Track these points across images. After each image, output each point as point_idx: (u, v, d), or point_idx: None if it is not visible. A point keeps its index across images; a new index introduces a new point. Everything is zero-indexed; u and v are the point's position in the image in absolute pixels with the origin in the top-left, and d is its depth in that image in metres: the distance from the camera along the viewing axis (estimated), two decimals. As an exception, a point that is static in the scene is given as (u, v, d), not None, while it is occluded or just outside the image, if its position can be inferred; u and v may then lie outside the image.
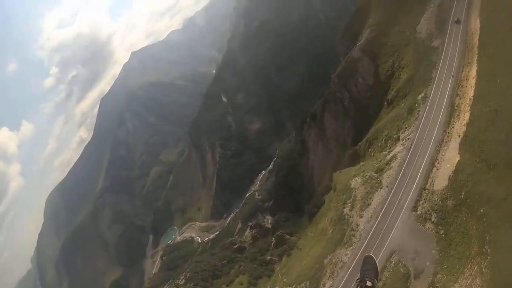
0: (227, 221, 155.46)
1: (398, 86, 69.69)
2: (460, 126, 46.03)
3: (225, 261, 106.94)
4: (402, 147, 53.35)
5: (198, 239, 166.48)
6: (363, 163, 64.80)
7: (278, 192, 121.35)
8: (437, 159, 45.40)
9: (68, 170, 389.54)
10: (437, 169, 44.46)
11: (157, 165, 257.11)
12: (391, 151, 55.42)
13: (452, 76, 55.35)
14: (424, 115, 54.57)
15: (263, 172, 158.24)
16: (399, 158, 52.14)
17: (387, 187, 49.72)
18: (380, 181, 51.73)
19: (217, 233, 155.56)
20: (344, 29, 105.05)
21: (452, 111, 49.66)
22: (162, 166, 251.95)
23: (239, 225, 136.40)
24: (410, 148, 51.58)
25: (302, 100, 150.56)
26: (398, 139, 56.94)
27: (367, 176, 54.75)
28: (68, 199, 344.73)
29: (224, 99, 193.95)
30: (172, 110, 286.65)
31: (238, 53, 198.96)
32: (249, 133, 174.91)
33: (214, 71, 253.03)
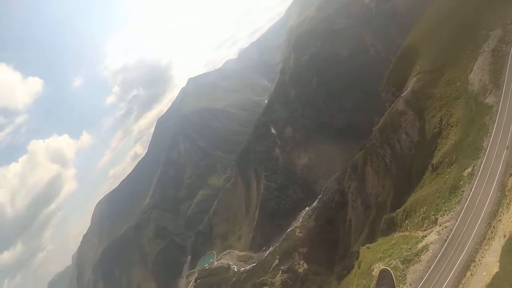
0: (265, 255, 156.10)
1: (444, 150, 63.12)
2: (508, 221, 38.59)
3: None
4: (437, 237, 46.23)
5: (234, 267, 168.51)
6: (395, 241, 58.06)
7: (314, 241, 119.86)
8: (474, 261, 37.97)
9: (120, 182, 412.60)
10: (471, 275, 36.88)
11: (204, 188, 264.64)
12: (425, 236, 49.02)
13: (507, 148, 47.45)
14: (468, 198, 46.54)
15: (307, 208, 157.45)
16: (431, 251, 45.03)
17: (410, 285, 43.04)
18: (405, 275, 45.45)
19: (253, 264, 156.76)
20: (389, 75, 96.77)
21: (501, 198, 41.77)
22: (209, 190, 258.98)
23: (276, 261, 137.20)
24: (446, 240, 44.23)
25: (350, 138, 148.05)
26: (435, 222, 50.59)
27: (392, 265, 49.20)
28: (115, 208, 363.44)
29: (273, 130, 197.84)
30: (223, 137, 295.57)
31: (288, 85, 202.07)
32: (296, 167, 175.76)
33: (266, 101, 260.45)
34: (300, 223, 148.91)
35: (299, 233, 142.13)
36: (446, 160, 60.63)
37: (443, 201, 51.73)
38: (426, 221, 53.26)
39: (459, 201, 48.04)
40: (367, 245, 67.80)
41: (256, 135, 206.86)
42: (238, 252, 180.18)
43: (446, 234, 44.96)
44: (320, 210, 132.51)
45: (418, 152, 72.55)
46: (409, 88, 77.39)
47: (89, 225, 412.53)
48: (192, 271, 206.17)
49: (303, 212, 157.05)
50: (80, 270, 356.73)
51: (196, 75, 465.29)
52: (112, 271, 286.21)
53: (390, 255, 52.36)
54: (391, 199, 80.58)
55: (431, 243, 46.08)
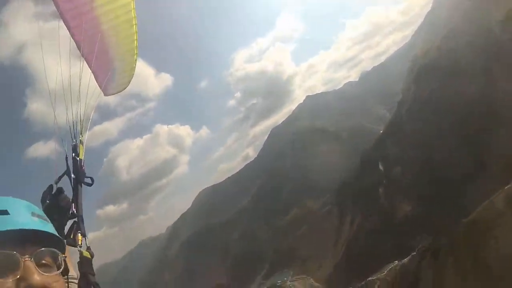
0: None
1: None
2: None
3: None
4: None
5: None
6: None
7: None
8: None
9: (226, 178, 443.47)
10: None
11: (299, 207, 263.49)
12: None
13: None
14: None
15: (396, 262, 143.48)
16: None
17: None
18: None
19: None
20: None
21: None
22: (302, 210, 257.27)
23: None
24: None
25: (463, 200, 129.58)
26: None
27: None
28: (215, 200, 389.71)
29: (380, 167, 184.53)
30: (327, 160, 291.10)
31: (404, 121, 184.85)
32: (396, 213, 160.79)
33: (381, 131, 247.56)
34: (383, 276, 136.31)
35: (378, 286, 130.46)
36: None
37: None
38: None
39: None
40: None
41: (362, 167, 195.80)
42: (313, 281, 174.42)
43: None
44: (408, 268, 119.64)
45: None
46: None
47: (189, 207, 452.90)
48: (263, 282, 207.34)
49: (389, 266, 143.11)
50: (169, 242, 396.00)
51: (314, 93, 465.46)
52: (194, 254, 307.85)
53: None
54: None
55: None
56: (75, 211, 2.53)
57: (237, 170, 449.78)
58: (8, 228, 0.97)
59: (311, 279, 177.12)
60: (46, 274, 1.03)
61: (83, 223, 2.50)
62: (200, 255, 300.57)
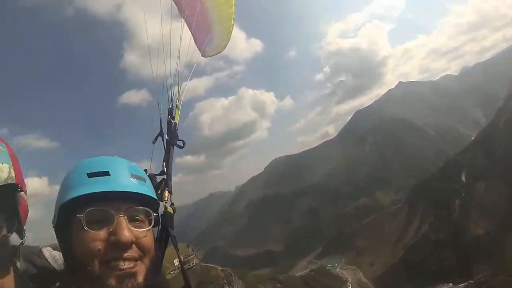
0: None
1: None
2: None
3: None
4: None
5: (350, 286, 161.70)
6: None
7: None
8: None
9: (302, 150, 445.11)
10: None
11: (368, 197, 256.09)
12: None
13: None
14: None
15: (451, 285, 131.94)
16: None
17: None
18: None
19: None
20: None
21: None
22: (371, 201, 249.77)
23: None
24: None
25: None
26: None
27: None
28: (286, 170, 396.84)
29: (463, 177, 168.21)
30: (410, 155, 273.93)
31: (501, 131, 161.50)
32: (467, 232, 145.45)
33: (472, 138, 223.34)
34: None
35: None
36: None
37: None
38: None
39: None
40: None
41: (443, 172, 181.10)
42: (362, 276, 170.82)
43: None
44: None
45: None
46: None
47: (260, 172, 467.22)
48: (314, 260, 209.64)
49: (445, 286, 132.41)
50: (235, 200, 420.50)
51: (408, 80, 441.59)
52: (256, 217, 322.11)
53: None
54: None
55: None
56: (165, 169, 2.65)
57: (314, 145, 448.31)
58: (108, 190, 1.15)
59: (361, 273, 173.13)
60: (136, 229, 1.18)
61: (171, 181, 2.72)
62: (262, 219, 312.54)
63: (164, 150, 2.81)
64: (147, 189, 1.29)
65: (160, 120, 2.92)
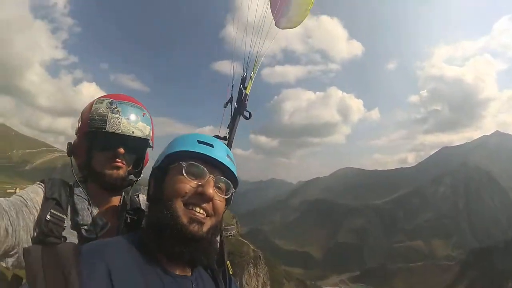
0: None
1: None
2: None
3: None
4: None
5: None
6: None
7: None
8: None
9: (374, 168, 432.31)
10: None
11: (424, 240, 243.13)
12: None
13: None
14: None
15: None
16: None
17: None
18: None
19: None
20: None
21: None
22: (425, 246, 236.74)
23: None
24: None
25: None
26: None
27: None
28: (353, 183, 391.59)
29: None
30: (483, 214, 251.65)
31: None
32: None
33: None
34: None
35: None
36: None
37: None
38: None
39: None
40: None
41: (508, 246, 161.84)
42: None
43: None
44: None
45: None
46: None
47: (327, 175, 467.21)
48: (344, 280, 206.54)
49: None
50: (293, 193, 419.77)
51: (507, 132, 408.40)
52: (306, 217, 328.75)
53: None
54: None
55: None
56: (227, 135, 2.75)
57: (389, 167, 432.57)
58: (210, 155, 1.46)
59: None
60: (217, 194, 1.47)
61: (231, 147, 2.65)
62: (312, 221, 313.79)
63: (230, 117, 2.87)
64: (235, 170, 1.58)
65: (232, 86, 2.93)
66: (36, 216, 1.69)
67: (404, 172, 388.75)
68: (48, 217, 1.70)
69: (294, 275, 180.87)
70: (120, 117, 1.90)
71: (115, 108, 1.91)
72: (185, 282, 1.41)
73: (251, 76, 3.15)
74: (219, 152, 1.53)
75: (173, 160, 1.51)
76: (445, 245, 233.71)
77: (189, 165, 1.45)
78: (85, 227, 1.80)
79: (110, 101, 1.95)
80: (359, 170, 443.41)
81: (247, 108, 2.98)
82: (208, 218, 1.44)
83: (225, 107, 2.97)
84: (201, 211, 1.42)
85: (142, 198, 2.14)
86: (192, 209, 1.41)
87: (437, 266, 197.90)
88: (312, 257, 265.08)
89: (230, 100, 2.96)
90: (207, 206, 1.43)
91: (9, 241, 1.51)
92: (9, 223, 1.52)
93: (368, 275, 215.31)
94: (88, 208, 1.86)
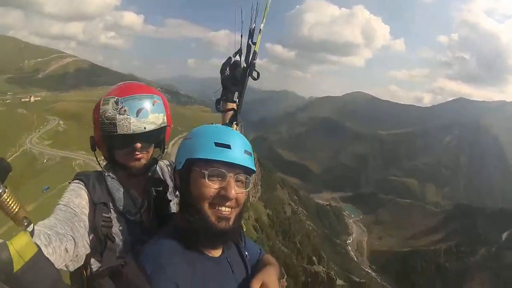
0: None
1: None
2: None
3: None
4: None
5: (350, 241, 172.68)
6: None
7: None
8: None
9: (387, 99, 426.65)
10: None
11: (419, 183, 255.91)
12: None
13: None
14: None
15: None
16: None
17: None
18: None
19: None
20: None
21: None
22: (419, 191, 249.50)
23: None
24: None
25: None
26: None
27: None
28: (362, 107, 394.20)
29: (503, 237, 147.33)
30: (479, 177, 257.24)
31: None
32: None
33: None
34: None
35: None
36: None
37: None
38: None
39: None
40: None
41: (490, 217, 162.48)
42: (365, 242, 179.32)
43: None
44: None
45: None
46: None
47: (338, 95, 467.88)
48: (337, 200, 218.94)
49: None
50: (303, 108, 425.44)
51: None
52: (313, 133, 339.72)
53: None
54: None
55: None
56: (236, 100, 2.42)
57: (402, 102, 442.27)
58: (229, 161, 1.60)
59: (366, 238, 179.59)
60: (238, 188, 1.65)
61: (240, 113, 2.42)
62: (317, 138, 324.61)
63: (237, 80, 2.51)
64: (252, 163, 1.77)
65: (241, 35, 2.43)
66: (86, 221, 1.86)
67: (416, 110, 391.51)
68: (102, 223, 1.88)
69: (288, 184, 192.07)
70: (128, 117, 1.95)
71: (122, 108, 1.96)
72: (224, 263, 1.75)
73: (260, 29, 2.58)
74: (237, 152, 1.71)
75: (192, 163, 1.73)
76: (436, 192, 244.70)
77: (210, 170, 1.65)
78: (128, 213, 2.03)
79: (115, 100, 1.99)
80: (372, 97, 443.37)
81: (255, 68, 2.53)
82: (233, 210, 1.73)
83: (234, 56, 2.57)
84: (226, 209, 1.69)
85: (160, 165, 2.40)
86: (218, 208, 1.68)
87: (423, 208, 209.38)
88: (311, 171, 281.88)
89: (239, 51, 2.54)
90: (231, 203, 1.69)
91: (69, 257, 1.70)
92: (67, 244, 1.67)
93: (358, 198, 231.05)
94: (123, 193, 2.06)
